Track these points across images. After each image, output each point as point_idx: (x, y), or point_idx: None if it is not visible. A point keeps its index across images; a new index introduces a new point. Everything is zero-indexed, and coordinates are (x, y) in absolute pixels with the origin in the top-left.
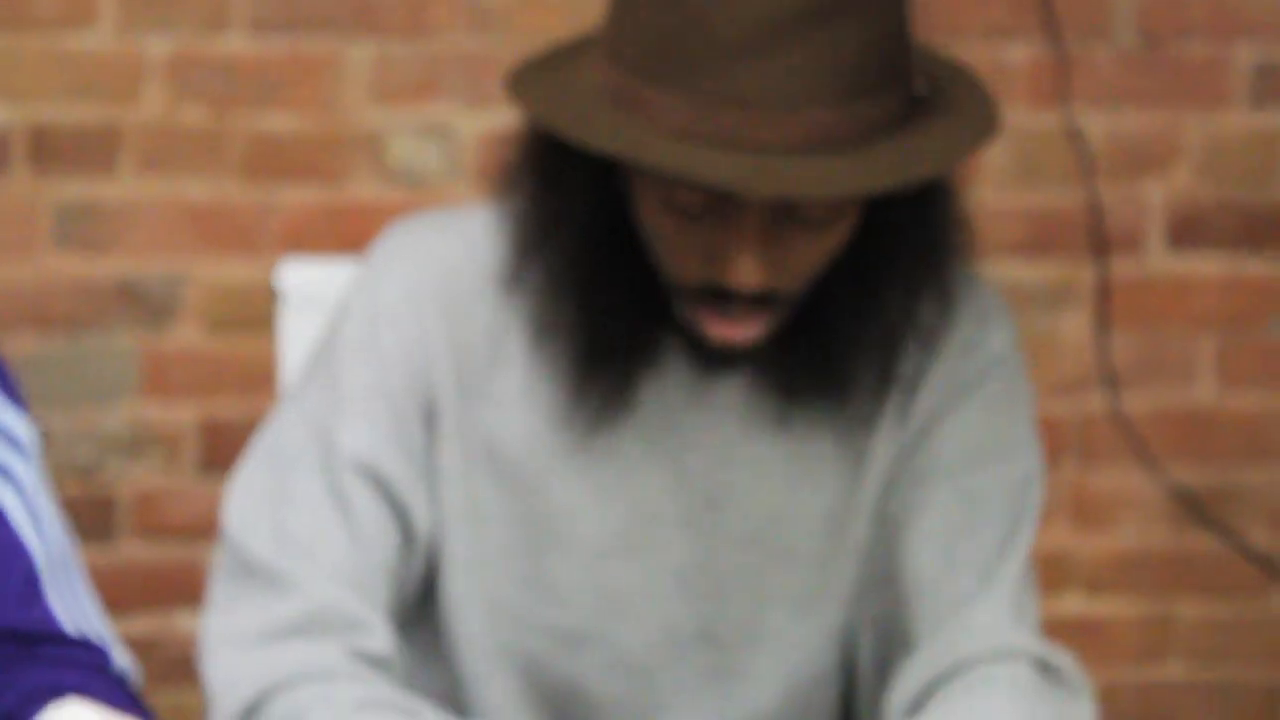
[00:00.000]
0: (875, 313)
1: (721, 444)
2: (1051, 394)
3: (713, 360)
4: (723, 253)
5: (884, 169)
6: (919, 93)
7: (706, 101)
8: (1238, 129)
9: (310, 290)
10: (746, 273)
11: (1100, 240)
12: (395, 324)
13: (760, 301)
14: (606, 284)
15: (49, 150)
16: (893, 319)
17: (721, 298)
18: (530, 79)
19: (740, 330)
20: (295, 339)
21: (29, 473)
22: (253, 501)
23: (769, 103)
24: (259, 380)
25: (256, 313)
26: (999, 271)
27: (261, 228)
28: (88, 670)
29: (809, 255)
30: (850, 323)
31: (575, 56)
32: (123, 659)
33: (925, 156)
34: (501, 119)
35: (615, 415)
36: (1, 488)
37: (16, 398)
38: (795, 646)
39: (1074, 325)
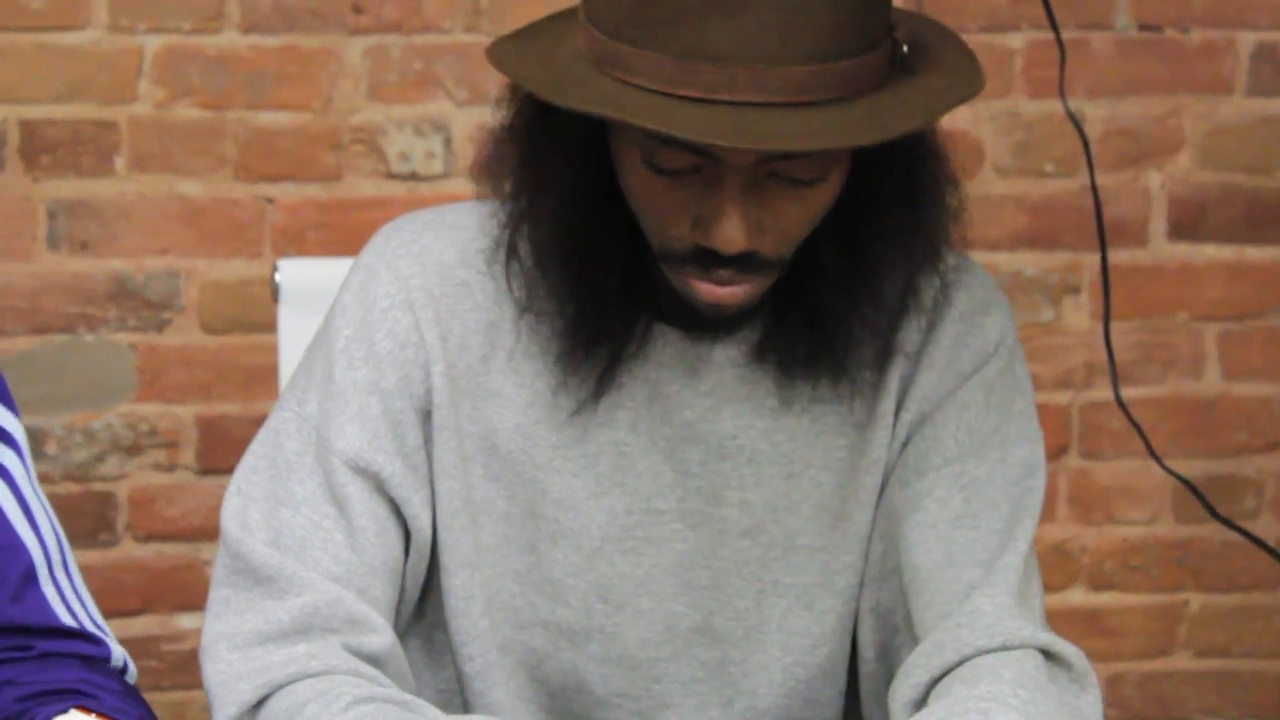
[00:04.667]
0: (869, 285)
1: (719, 436)
2: (1054, 384)
3: (708, 348)
4: (707, 215)
5: (863, 123)
6: (901, 52)
7: (685, 58)
8: (1239, 116)
9: (308, 288)
10: (731, 234)
11: (1102, 229)
12: (388, 322)
13: (746, 265)
14: (593, 263)
15: (43, 149)
16: (886, 291)
17: (708, 261)
18: (510, 49)
19: (728, 293)
20: (294, 337)
21: (20, 467)
22: (251, 503)
23: (744, 57)
24: (258, 379)
25: (255, 311)
26: (1000, 261)
27: (258, 225)
28: (86, 664)
29: (793, 217)
30: (843, 295)
31: (554, 28)
32: (120, 652)
33: (906, 112)
34: (498, 116)
35: (605, 397)
36: None
37: (4, 394)
38: (797, 638)
39: (1076, 315)
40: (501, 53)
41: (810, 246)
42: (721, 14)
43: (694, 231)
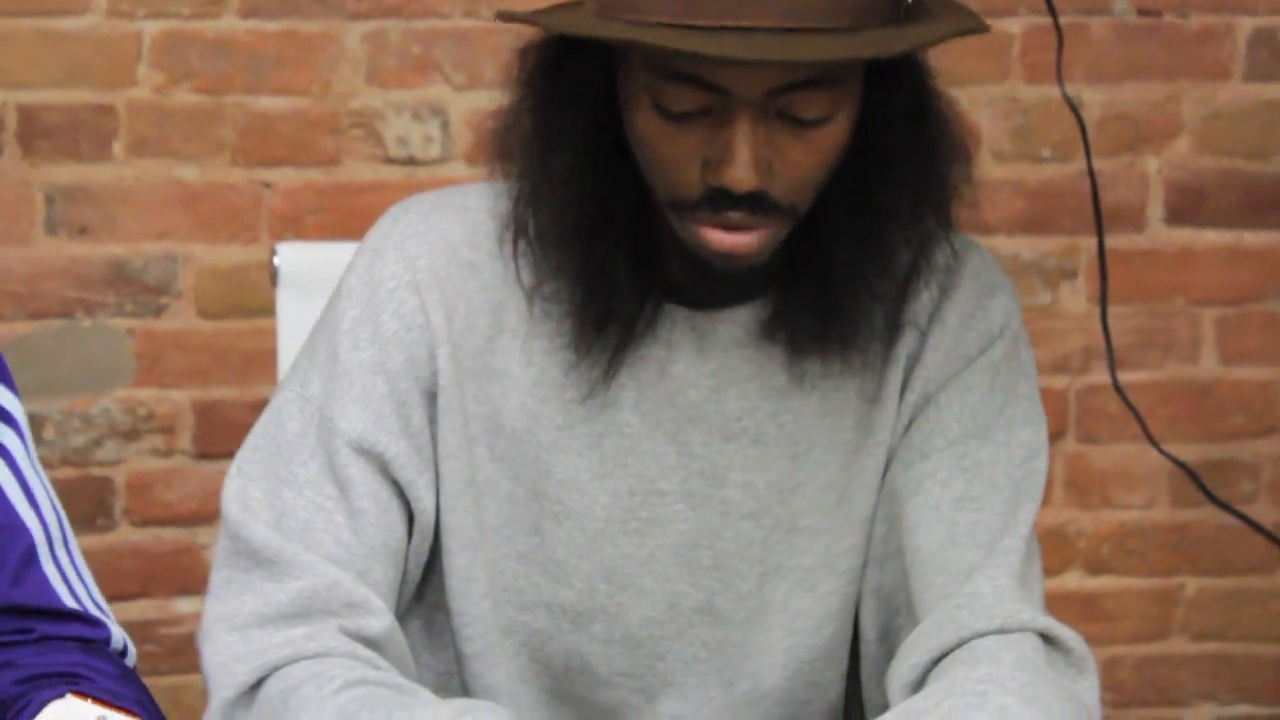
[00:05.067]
0: (879, 254)
1: (723, 416)
2: (1052, 369)
3: (715, 325)
4: (716, 154)
5: (870, 42)
6: (908, 3)
7: None
8: (1237, 101)
9: (307, 272)
10: (741, 172)
11: (1099, 213)
12: (393, 303)
13: (757, 206)
14: (601, 241)
15: (42, 134)
16: (896, 261)
17: (719, 203)
18: (521, 14)
19: (740, 240)
20: (292, 321)
21: (20, 446)
22: (252, 484)
23: None
24: (255, 363)
25: (253, 296)
26: (998, 245)
27: (256, 210)
28: (84, 647)
29: (803, 158)
30: (852, 266)
31: (562, 6)
32: (120, 634)
33: (908, 38)
34: (497, 99)
35: (613, 378)
36: None
37: (4, 374)
38: (799, 619)
39: (1074, 299)
40: (512, 13)
41: (818, 214)
42: None
43: (705, 174)
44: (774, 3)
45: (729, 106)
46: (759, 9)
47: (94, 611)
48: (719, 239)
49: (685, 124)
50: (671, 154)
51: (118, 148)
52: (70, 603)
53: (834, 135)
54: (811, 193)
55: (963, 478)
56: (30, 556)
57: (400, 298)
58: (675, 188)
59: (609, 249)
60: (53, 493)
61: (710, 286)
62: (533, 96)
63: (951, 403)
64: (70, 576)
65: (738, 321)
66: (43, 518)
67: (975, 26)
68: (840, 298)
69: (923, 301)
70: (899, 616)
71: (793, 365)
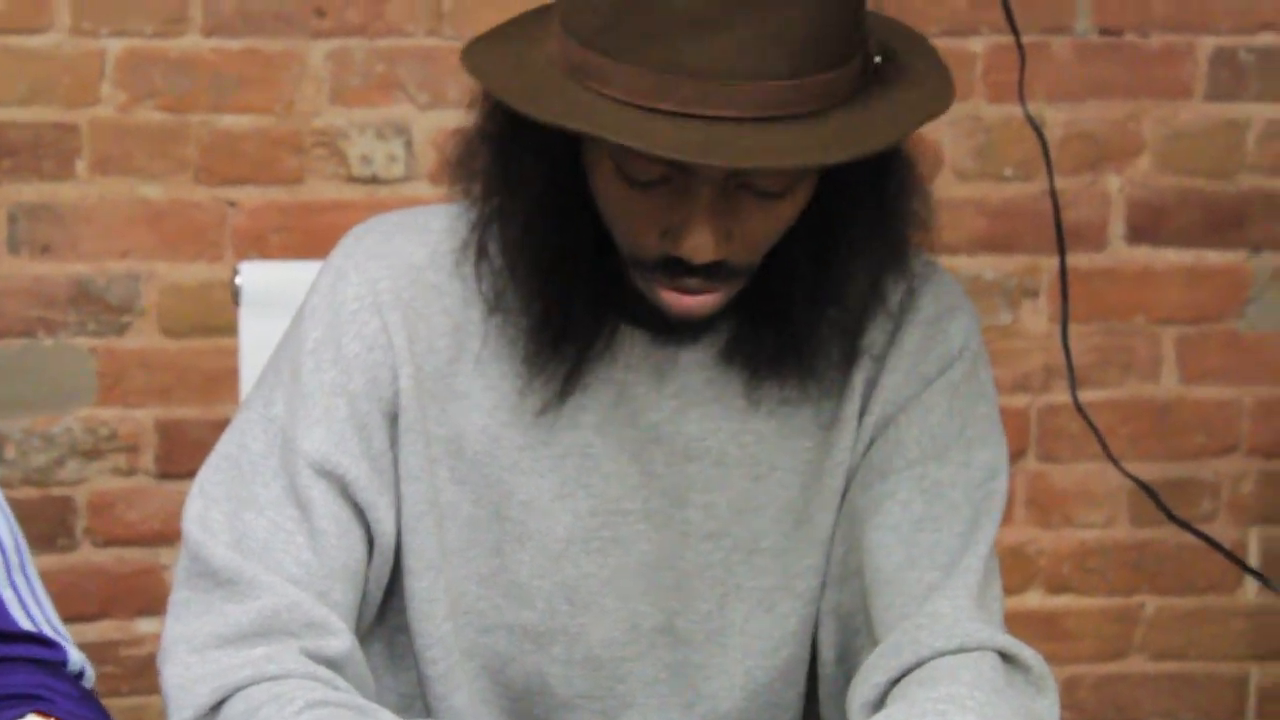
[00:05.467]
0: (836, 285)
1: (685, 438)
2: (1013, 388)
3: (675, 351)
4: (677, 225)
5: (835, 141)
6: (873, 64)
7: (659, 73)
8: (1198, 120)
9: (270, 291)
10: (700, 244)
11: (1061, 232)
12: (356, 325)
13: (715, 274)
14: (561, 264)
15: (5, 152)
16: (853, 293)
17: (676, 270)
18: (484, 52)
19: (696, 302)
20: (255, 341)
21: None
22: (213, 505)
23: (721, 74)
24: (217, 383)
25: (216, 314)
26: (959, 264)
27: (219, 229)
28: (42, 669)
29: (763, 227)
30: (811, 298)
31: (529, 29)
32: (78, 657)
33: (876, 129)
34: (460, 118)
35: (571, 397)
36: None
37: None
38: (759, 640)
39: (1035, 318)
40: (475, 57)
41: (778, 250)
42: (702, 31)
43: (663, 241)
44: (738, 93)
45: (690, 181)
46: (722, 99)
47: (50, 634)
48: (676, 300)
49: (647, 191)
50: (631, 218)
51: (81, 166)
52: (27, 625)
53: (794, 204)
54: (765, 253)
55: (922, 499)
56: None
57: (362, 319)
58: (634, 248)
59: (568, 273)
60: (10, 515)
61: (668, 319)
62: (495, 125)
63: (911, 424)
64: (27, 599)
65: (697, 346)
66: (1, 541)
67: (939, 106)
68: (797, 327)
69: (880, 328)
70: (858, 637)
71: (752, 390)
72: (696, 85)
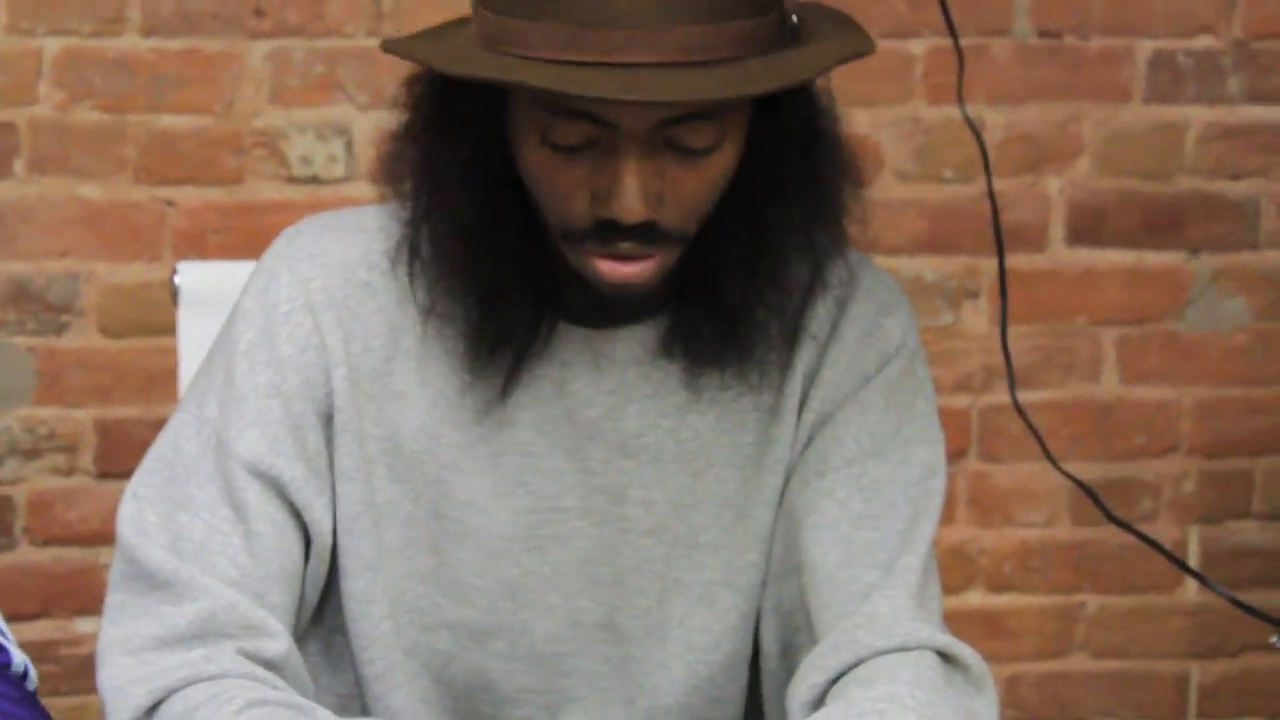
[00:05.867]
0: (771, 267)
1: (622, 434)
2: (953, 388)
3: (612, 345)
4: (605, 186)
5: (754, 77)
6: (791, 23)
7: (576, 26)
8: (1137, 122)
9: (209, 292)
10: (630, 203)
11: (999, 234)
12: (289, 325)
13: (646, 237)
14: (494, 260)
15: None
16: (790, 274)
17: (609, 234)
18: (405, 41)
19: (631, 269)
20: (194, 341)
21: None
22: (148, 507)
23: (640, 22)
24: (157, 383)
25: (154, 315)
26: (900, 265)
27: (159, 229)
28: None
29: (691, 187)
30: (746, 276)
31: (448, 28)
32: (21, 658)
33: (795, 68)
34: (395, 115)
35: (509, 395)
36: None
37: None
38: (699, 635)
39: (976, 319)
40: (396, 43)
41: (711, 231)
42: None
43: (594, 206)
44: (657, 39)
45: (616, 139)
46: (642, 45)
47: None
48: (610, 269)
49: (573, 156)
50: (560, 186)
51: (19, 165)
52: None
53: (722, 163)
54: (701, 218)
55: (860, 496)
56: None
57: (296, 320)
58: (565, 218)
59: (502, 270)
60: None
61: (605, 306)
62: (421, 122)
63: (849, 421)
64: None
65: (634, 340)
66: None
67: (859, 49)
68: (734, 310)
69: (819, 314)
70: (799, 634)
71: (690, 381)
72: (615, 34)
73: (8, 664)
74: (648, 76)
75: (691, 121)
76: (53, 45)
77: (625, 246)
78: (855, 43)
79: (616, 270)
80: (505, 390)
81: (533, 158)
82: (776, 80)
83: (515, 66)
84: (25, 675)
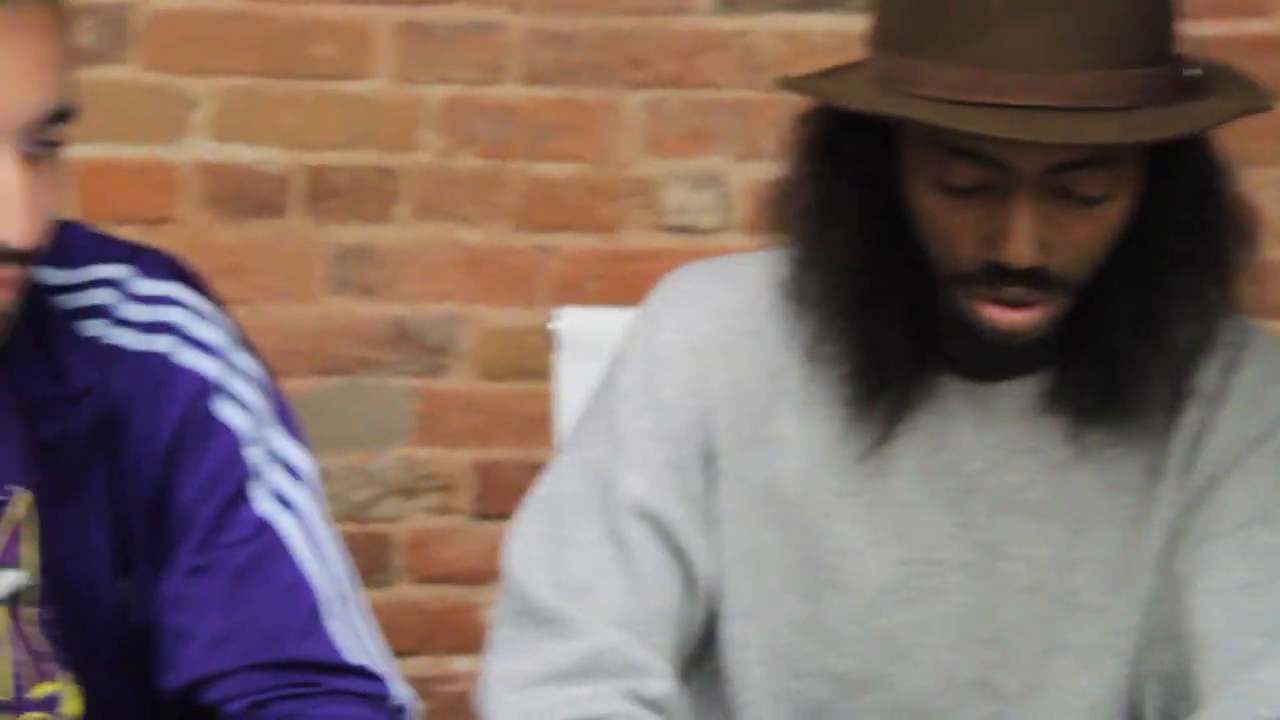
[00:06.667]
0: (1159, 324)
1: (1005, 489)
2: None
3: (995, 398)
4: (995, 230)
5: (1149, 125)
6: (1186, 75)
7: (972, 67)
8: None
9: (586, 337)
10: (1021, 248)
11: None
12: (673, 370)
13: (1036, 283)
14: (880, 308)
15: (327, 195)
16: (1178, 332)
17: (998, 280)
18: (804, 80)
19: (1019, 316)
20: (571, 385)
21: (309, 503)
22: (533, 546)
23: (1035, 65)
24: (533, 426)
25: (531, 359)
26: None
27: (536, 274)
28: (365, 701)
29: (1081, 236)
30: (1134, 337)
31: (841, 70)
32: (402, 691)
33: (1189, 119)
34: (775, 170)
35: (888, 444)
36: (284, 518)
37: (296, 432)
38: (1078, 698)
39: None
40: (795, 81)
41: (1098, 284)
42: (1012, 23)
43: (984, 250)
44: (1054, 83)
45: (1008, 183)
46: (1039, 88)
47: (375, 667)
48: (998, 315)
49: (965, 199)
50: (950, 228)
51: (401, 210)
52: (353, 659)
53: (1114, 213)
54: (1090, 268)
55: (1246, 563)
56: (318, 612)
57: (679, 364)
58: (954, 262)
59: (886, 317)
60: (341, 549)
61: (989, 359)
62: (811, 165)
63: (1236, 487)
64: (353, 634)
65: (1018, 394)
66: (332, 574)
67: (1259, 105)
68: (1121, 368)
69: (1207, 375)
70: (1180, 702)
71: (1075, 437)
72: (1010, 75)
73: (385, 695)
74: (1044, 119)
75: (1084, 168)
76: (436, 94)
77: (1014, 292)
78: (1253, 98)
79: (1005, 317)
80: (884, 437)
81: (923, 199)
82: (1172, 129)
83: (913, 104)
84: (402, 710)
